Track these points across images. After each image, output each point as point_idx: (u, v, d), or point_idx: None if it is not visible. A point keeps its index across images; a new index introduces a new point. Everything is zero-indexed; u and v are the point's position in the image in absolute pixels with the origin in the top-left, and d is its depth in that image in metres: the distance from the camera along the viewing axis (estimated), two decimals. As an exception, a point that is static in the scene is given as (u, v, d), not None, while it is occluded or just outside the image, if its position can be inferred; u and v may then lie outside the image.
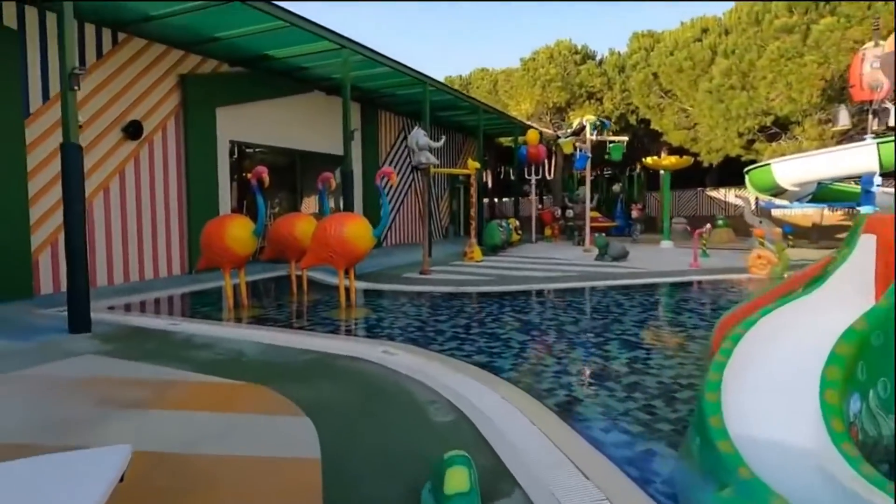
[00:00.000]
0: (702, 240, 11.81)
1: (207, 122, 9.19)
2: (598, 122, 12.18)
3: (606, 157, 13.04)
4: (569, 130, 12.54)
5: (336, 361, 3.95)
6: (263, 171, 5.77)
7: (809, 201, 10.96)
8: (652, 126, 17.10)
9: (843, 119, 9.66)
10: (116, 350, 4.25)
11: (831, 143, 11.43)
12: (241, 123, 9.98)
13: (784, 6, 11.37)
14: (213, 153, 9.32)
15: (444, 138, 8.22)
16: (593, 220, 15.43)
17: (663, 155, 19.53)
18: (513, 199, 18.34)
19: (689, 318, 5.68)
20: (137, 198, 8.12)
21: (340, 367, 3.82)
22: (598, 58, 18.92)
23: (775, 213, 18.14)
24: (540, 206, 17.48)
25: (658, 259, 11.10)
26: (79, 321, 4.71)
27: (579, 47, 18.65)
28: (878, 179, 8.48)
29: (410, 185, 16.44)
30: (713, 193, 24.74)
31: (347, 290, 6.06)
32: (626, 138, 12.76)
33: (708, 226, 11.36)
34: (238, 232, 5.69)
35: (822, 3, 10.94)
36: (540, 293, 7.20)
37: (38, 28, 6.80)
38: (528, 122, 18.37)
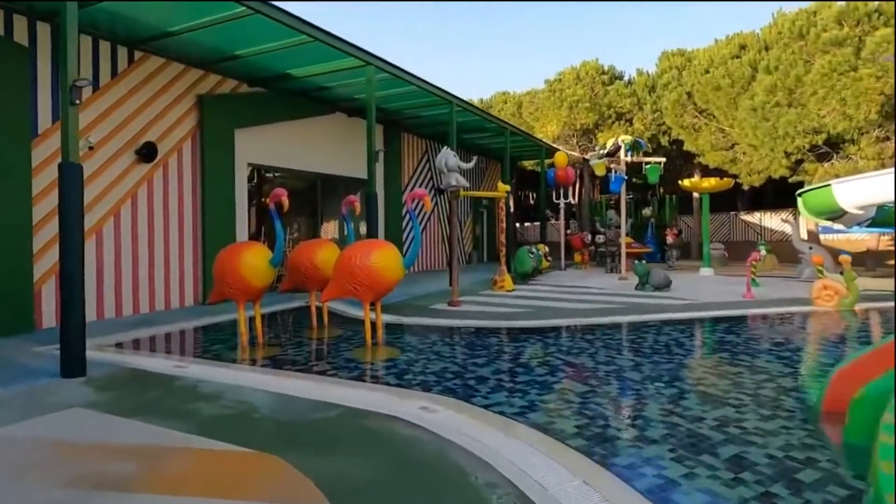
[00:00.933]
0: (752, 268, 11.00)
1: (225, 145, 8.82)
2: (633, 143, 11.55)
3: (641, 179, 12.35)
4: (602, 151, 11.93)
5: (365, 420, 3.31)
6: (283, 194, 5.24)
7: (868, 226, 10.08)
8: (685, 147, 16.43)
9: (909, 135, 8.87)
10: (110, 401, 3.68)
11: (891, 162, 10.62)
12: (260, 146, 9.60)
13: (833, 18, 10.73)
14: (231, 177, 8.91)
15: (475, 159, 7.66)
16: (626, 245, 14.70)
17: (697, 176, 18.82)
18: (539, 223, 17.71)
19: (769, 362, 4.92)
20: (150, 224, 7.69)
21: (371, 429, 3.18)
22: (626, 78, 18.48)
23: (822, 238, 17.21)
24: (568, 231, 16.78)
25: (704, 288, 10.31)
26: (72, 363, 4.17)
27: (606, 68, 18.23)
28: (959, 203, 7.62)
29: (433, 209, 15.94)
30: (747, 217, 23.78)
31: (373, 325, 5.44)
32: (662, 159, 12.10)
33: (762, 252, 10.53)
34: (254, 261, 5.15)
35: (875, 14, 10.28)
36: (587, 329, 6.49)
37: (49, 44, 6.49)
38: (554, 145, 17.88)
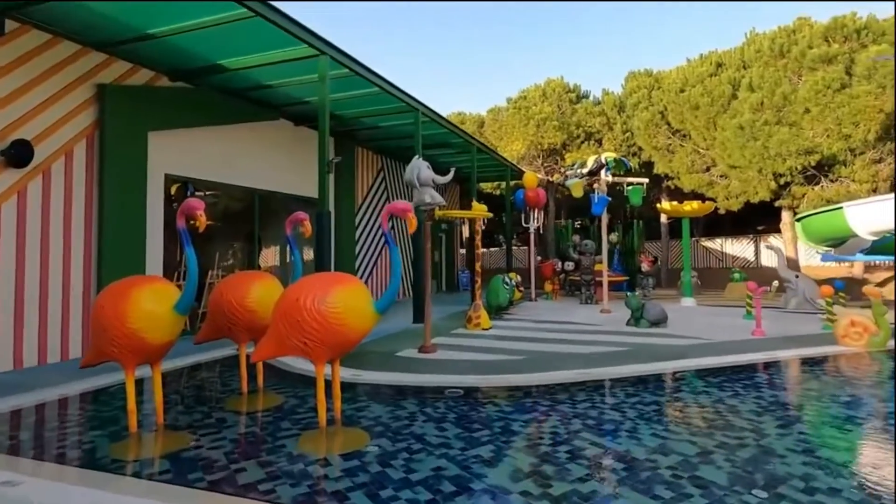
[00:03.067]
0: (748, 299, 10.18)
1: (135, 150, 7.08)
2: (616, 161, 10.62)
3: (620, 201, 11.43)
4: (582, 170, 10.93)
5: None
6: (198, 208, 3.66)
7: (867, 253, 9.50)
8: (657, 170, 15.89)
9: (915, 156, 8.34)
10: None
11: (884, 185, 10.22)
12: (182, 154, 7.89)
13: (819, 34, 10.35)
14: (141, 190, 7.16)
15: (452, 171, 6.31)
16: (601, 273, 13.74)
17: (665, 200, 18.36)
18: (505, 249, 16.58)
19: (851, 430, 3.73)
20: (19, 249, 5.80)
21: None
22: (591, 98, 17.94)
23: (802, 266, 16.98)
24: (539, 259, 15.70)
25: (701, 323, 9.34)
26: None
27: (572, 86, 17.64)
28: None
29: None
30: (708, 244, 23.75)
31: (329, 385, 3.86)
32: (645, 180, 11.25)
33: (775, 283, 9.71)
34: (150, 306, 3.51)
35: (863, 31, 9.95)
36: (599, 386, 5.16)
37: None
38: (518, 166, 16.95)
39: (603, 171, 10.65)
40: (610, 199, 10.66)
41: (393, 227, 4.01)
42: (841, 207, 8.08)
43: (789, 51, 11.05)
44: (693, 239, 23.63)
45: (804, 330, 8.48)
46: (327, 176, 6.61)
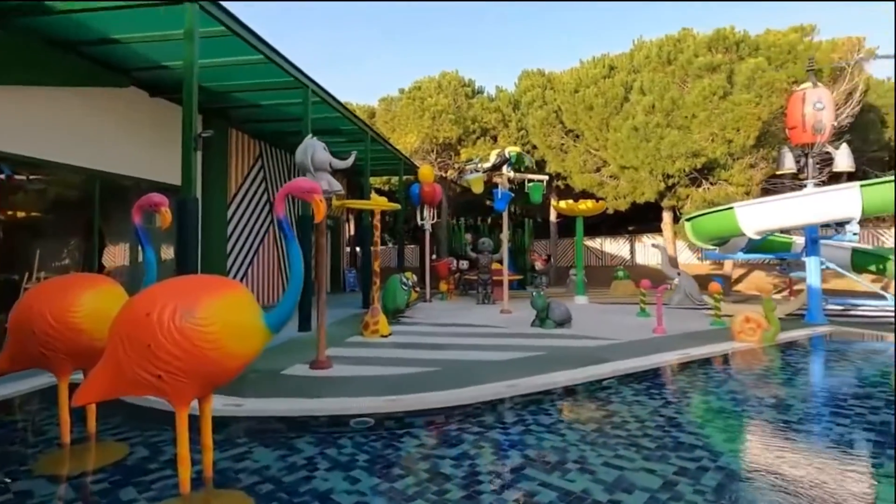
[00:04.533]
0: (642, 297, 10.48)
1: None
2: (518, 156, 10.36)
3: (525, 198, 11.25)
4: (484, 164, 10.54)
5: None
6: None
7: (746, 251, 10.24)
8: (549, 168, 16.14)
9: (789, 162, 9.07)
10: None
11: (756, 189, 11.13)
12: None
13: (704, 44, 11.00)
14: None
15: (353, 154, 5.42)
16: (498, 272, 13.55)
17: (555, 199, 18.82)
18: (397, 247, 15.79)
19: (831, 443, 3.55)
20: None
21: None
22: (485, 94, 17.84)
23: (681, 264, 18.33)
24: (433, 257, 15.14)
25: (602, 322, 9.42)
26: None
27: (467, 80, 17.38)
28: (855, 227, 7.70)
29: (268, 226, 13.01)
30: (589, 243, 25.06)
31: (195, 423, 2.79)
32: (545, 177, 11.16)
33: (675, 281, 10.00)
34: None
35: (742, 44, 10.74)
36: (528, 402, 4.62)
37: None
38: (411, 160, 16.28)
39: (505, 167, 10.35)
40: (513, 195, 10.39)
41: (290, 216, 3.05)
42: (732, 208, 8.50)
43: (675, 58, 11.72)
44: (574, 238, 24.82)
45: (695, 326, 8.82)
46: (194, 154, 5.34)
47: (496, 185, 10.60)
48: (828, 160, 9.54)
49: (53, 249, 8.11)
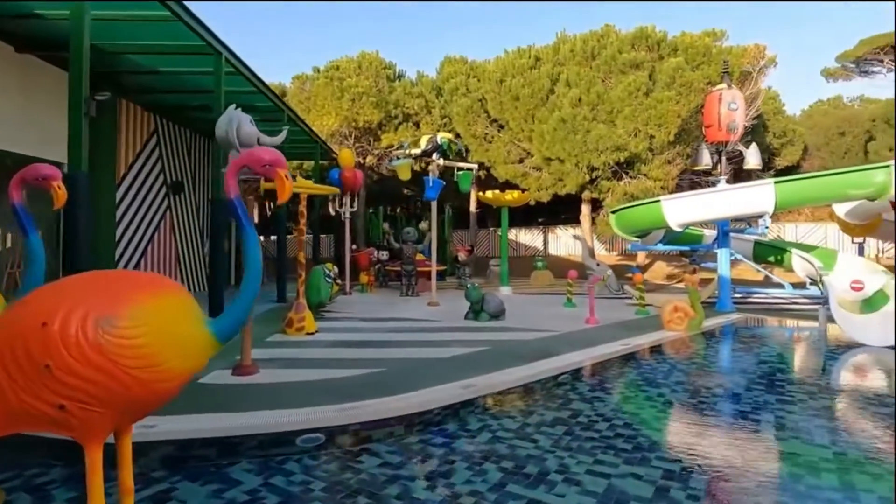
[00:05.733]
0: (569, 287, 10.62)
1: None
2: (449, 143, 10.03)
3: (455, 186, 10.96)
4: (413, 150, 10.10)
5: None
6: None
7: (665, 243, 10.74)
8: (472, 158, 15.99)
9: (706, 159, 9.57)
10: None
11: (672, 183, 11.70)
12: None
13: (628, 41, 11.32)
14: None
15: (285, 130, 4.81)
16: (422, 263, 13.22)
17: (474, 189, 18.77)
18: (311, 237, 14.87)
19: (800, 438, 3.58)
20: None
21: None
22: (406, 78, 17.27)
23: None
24: (354, 248, 14.44)
25: (533, 313, 9.40)
26: None
27: (387, 62, 16.71)
28: (767, 221, 8.26)
29: (164, 212, 11.68)
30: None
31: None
32: (475, 165, 10.95)
33: (608, 273, 10.15)
34: None
35: (662, 44, 11.18)
36: (487, 405, 4.33)
37: None
38: (328, 144, 15.40)
39: (435, 154, 9.99)
40: (444, 183, 10.06)
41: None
42: (658, 201, 8.80)
43: (599, 53, 12.00)
44: (491, 229, 25.14)
45: (621, 315, 9.06)
46: (85, 120, 4.39)
47: (424, 173, 10.23)
48: (736, 158, 10.22)
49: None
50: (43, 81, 7.98)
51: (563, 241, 23.56)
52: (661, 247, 10.59)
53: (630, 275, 12.05)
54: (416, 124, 16.45)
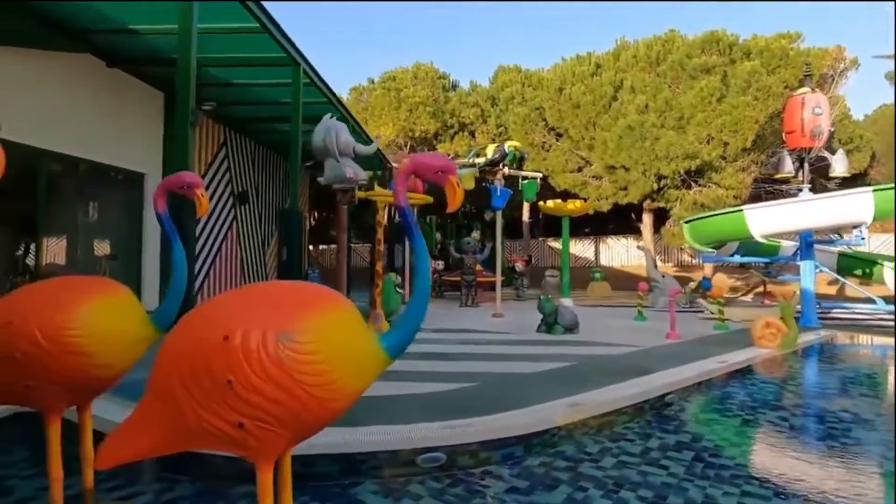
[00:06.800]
0: (640, 300, 10.25)
1: None
2: (517, 153, 9.87)
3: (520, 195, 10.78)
4: (479, 160, 9.98)
5: None
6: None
7: (742, 255, 10.24)
8: (528, 167, 15.76)
9: (788, 166, 9.07)
10: None
11: (746, 192, 11.19)
12: None
13: (697, 46, 10.94)
14: None
15: (377, 140, 4.70)
16: (479, 273, 13.06)
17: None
18: (371, 246, 14.93)
19: None
20: None
21: None
22: (460, 88, 17.28)
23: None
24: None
25: (605, 326, 9.09)
26: None
27: (441, 72, 16.76)
28: (864, 232, 7.73)
29: (231, 222, 11.90)
30: (554, 244, 25.10)
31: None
32: (539, 174, 10.75)
33: (691, 283, 9.77)
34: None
35: (734, 47, 10.75)
36: (602, 425, 4.09)
37: None
38: (384, 154, 15.47)
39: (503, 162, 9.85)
40: (511, 192, 9.90)
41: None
42: (741, 211, 8.39)
43: (664, 59, 11.64)
44: (540, 239, 24.77)
45: (700, 330, 8.64)
46: (191, 131, 4.43)
47: (487, 182, 10.10)
48: (818, 165, 9.67)
49: None
50: (127, 94, 8.25)
51: (616, 252, 22.97)
52: (736, 258, 10.09)
53: (694, 287, 11.56)
54: (472, 134, 16.36)
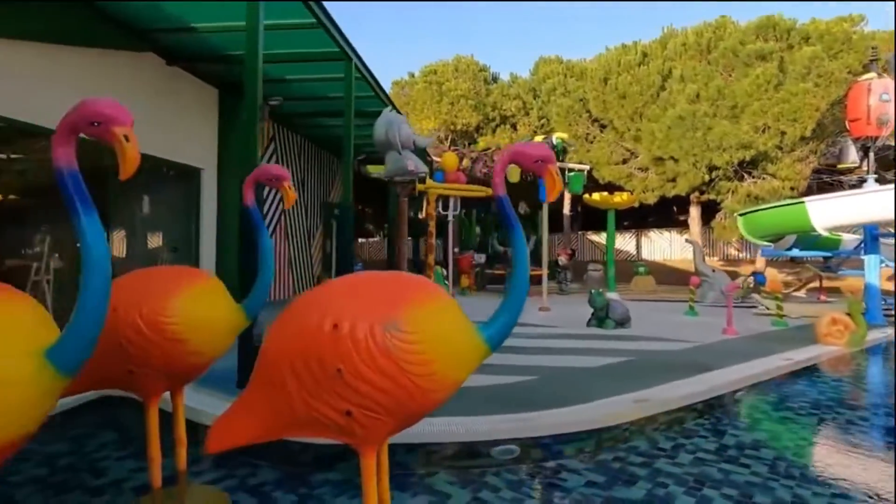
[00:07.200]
0: (691, 294, 9.96)
1: None
2: (562, 144, 9.71)
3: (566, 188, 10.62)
4: (525, 152, 9.83)
5: None
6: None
7: (801, 248, 9.83)
8: (570, 159, 15.52)
9: (852, 155, 8.64)
10: None
11: (804, 184, 10.74)
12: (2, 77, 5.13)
13: (753, 31, 10.49)
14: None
15: (434, 133, 4.65)
16: (522, 267, 12.92)
17: (566, 192, 18.24)
18: (412, 240, 15.00)
19: None
20: None
21: None
22: (500, 80, 17.10)
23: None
24: (456, 251, 14.42)
25: (656, 321, 8.86)
26: None
27: (482, 65, 16.63)
28: (938, 226, 7.30)
29: (279, 216, 12.11)
30: (594, 237, 24.68)
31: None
32: (586, 167, 10.55)
33: (749, 278, 9.49)
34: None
35: (791, 32, 10.28)
36: (670, 422, 3.99)
37: None
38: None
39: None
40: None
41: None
42: (802, 202, 8.03)
43: (716, 46, 11.23)
44: (580, 232, 24.39)
45: (757, 327, 8.34)
46: (258, 127, 4.51)
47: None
48: (884, 154, 9.17)
49: (53, 236, 7.16)
50: (184, 91, 8.48)
51: (658, 246, 22.40)
52: (795, 252, 9.69)
53: (749, 282, 11.17)
54: (514, 126, 16.20)
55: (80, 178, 1.70)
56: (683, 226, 20.60)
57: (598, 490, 2.86)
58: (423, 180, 5.29)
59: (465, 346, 1.96)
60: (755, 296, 10.08)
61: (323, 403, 1.81)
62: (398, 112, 11.20)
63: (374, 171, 10.20)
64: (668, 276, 18.92)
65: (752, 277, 9.88)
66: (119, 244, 8.35)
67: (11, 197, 7.76)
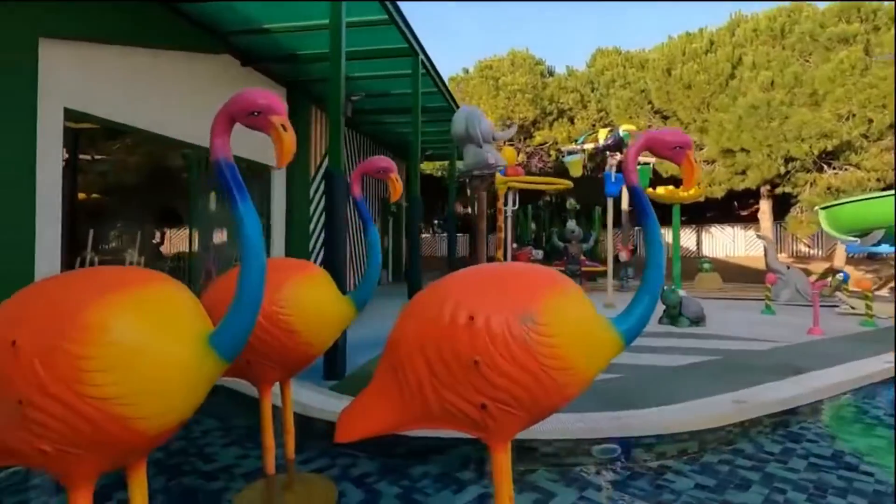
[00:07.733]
0: (767, 292, 9.46)
1: (18, 65, 4.54)
2: (621, 137, 9.39)
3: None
4: (588, 146, 9.62)
5: None
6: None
7: (889, 244, 9.14)
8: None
9: (951, 144, 7.93)
10: None
11: (891, 175, 9.98)
12: (91, 79, 5.38)
13: (835, 14, 9.81)
14: (29, 132, 4.64)
15: (514, 125, 4.57)
16: (582, 262, 12.69)
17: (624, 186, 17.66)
18: (469, 237, 14.94)
19: None
20: None
21: None
22: (556, 73, 16.75)
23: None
24: (514, 246, 14.28)
25: (731, 319, 8.46)
26: None
27: (537, 59, 16.35)
28: None
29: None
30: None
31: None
32: (653, 160, 10.19)
33: (837, 275, 8.97)
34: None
35: (878, 12, 9.55)
36: (775, 424, 3.76)
37: None
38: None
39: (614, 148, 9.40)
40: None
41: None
42: (892, 195, 7.45)
43: (791, 30, 10.55)
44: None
45: (843, 327, 7.81)
46: (341, 122, 4.56)
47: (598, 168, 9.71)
48: None
49: (122, 228, 7.52)
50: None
51: (720, 241, 21.46)
52: (884, 248, 9.01)
53: (832, 279, 10.49)
54: (571, 120, 15.84)
55: (236, 168, 1.70)
56: (746, 221, 19.63)
57: (711, 494, 2.71)
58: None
59: (600, 339, 1.87)
60: (839, 294, 9.45)
61: (457, 396, 1.76)
62: (458, 107, 11.17)
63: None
64: (733, 273, 18.10)
65: (840, 275, 9.25)
66: (202, 240, 8.70)
67: (94, 196, 8.21)
